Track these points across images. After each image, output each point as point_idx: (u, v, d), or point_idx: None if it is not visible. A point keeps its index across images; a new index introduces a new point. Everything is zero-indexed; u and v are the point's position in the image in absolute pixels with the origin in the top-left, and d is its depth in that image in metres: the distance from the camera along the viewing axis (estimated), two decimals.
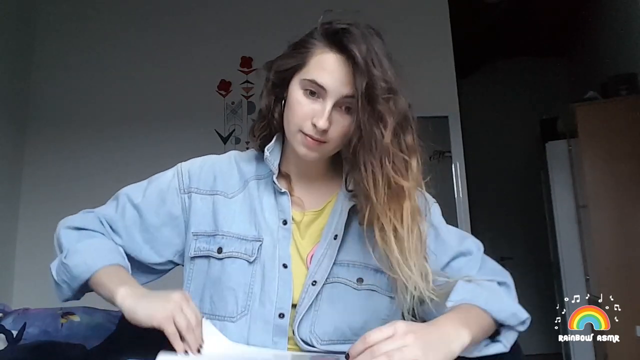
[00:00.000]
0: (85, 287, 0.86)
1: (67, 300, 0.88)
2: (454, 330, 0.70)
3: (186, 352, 0.71)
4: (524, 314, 0.82)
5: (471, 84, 4.46)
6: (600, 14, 3.72)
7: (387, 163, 0.75)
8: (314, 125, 0.78)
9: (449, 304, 0.77)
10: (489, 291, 0.82)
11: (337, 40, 0.77)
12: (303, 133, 0.80)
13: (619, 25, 3.40)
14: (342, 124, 0.80)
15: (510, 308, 0.81)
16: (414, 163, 0.77)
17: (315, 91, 0.79)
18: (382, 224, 0.75)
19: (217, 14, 3.28)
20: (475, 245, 0.90)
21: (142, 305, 0.74)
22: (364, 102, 0.74)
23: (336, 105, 0.79)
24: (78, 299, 0.89)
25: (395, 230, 0.75)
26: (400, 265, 0.75)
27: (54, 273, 0.87)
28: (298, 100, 0.80)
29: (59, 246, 0.90)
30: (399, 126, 0.76)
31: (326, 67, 0.78)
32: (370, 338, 0.64)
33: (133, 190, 0.93)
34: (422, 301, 0.78)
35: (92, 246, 0.87)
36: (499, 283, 0.86)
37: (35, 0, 3.17)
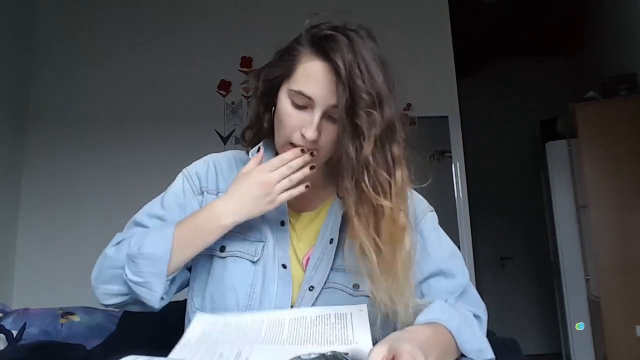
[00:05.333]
0: (172, 266, 0.79)
1: (161, 299, 0.80)
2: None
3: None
4: (489, 354, 0.79)
5: (471, 84, 4.46)
6: (600, 14, 3.72)
7: (367, 181, 0.72)
8: (303, 136, 0.77)
9: (421, 318, 0.75)
10: (463, 318, 0.80)
11: (322, 48, 0.74)
12: (292, 145, 0.79)
13: (619, 25, 3.40)
14: (331, 132, 0.78)
15: (478, 343, 0.78)
16: (398, 176, 0.74)
17: (303, 102, 0.77)
18: (362, 241, 0.73)
19: (217, 14, 3.28)
20: (460, 270, 0.87)
21: (244, 205, 0.79)
22: (342, 116, 0.72)
23: (325, 114, 0.77)
24: (171, 293, 0.82)
25: (376, 249, 0.73)
26: (377, 281, 0.74)
27: (131, 276, 0.78)
28: (286, 111, 0.78)
29: (111, 268, 0.81)
30: (384, 137, 0.73)
31: (312, 77, 0.75)
32: None
33: (149, 208, 0.91)
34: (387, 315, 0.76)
35: (144, 231, 0.83)
36: (475, 315, 0.85)
37: (35, 0, 3.18)
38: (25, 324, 1.93)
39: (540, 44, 4.47)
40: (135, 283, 0.78)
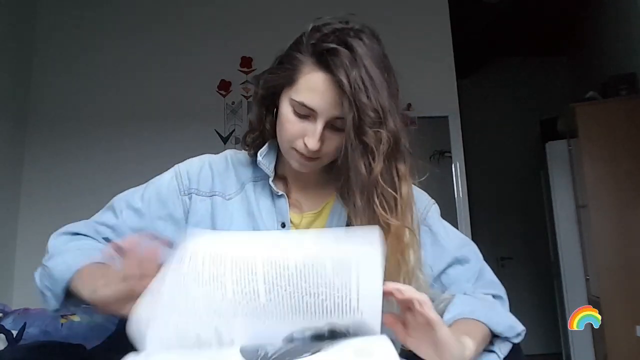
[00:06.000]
0: (71, 294, 0.79)
1: (57, 310, 0.83)
2: (459, 340, 0.68)
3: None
4: (520, 326, 0.82)
5: (471, 84, 4.46)
6: (600, 14, 3.72)
7: (375, 199, 0.72)
8: (305, 145, 0.77)
9: (447, 315, 0.78)
10: (485, 304, 0.83)
11: (324, 61, 0.73)
12: (295, 150, 0.79)
13: (619, 25, 3.40)
14: (334, 141, 0.78)
15: (507, 320, 0.82)
16: (404, 191, 0.74)
17: (305, 113, 0.77)
18: None
19: (217, 14, 3.28)
20: (474, 253, 0.89)
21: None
22: (351, 134, 0.71)
23: (327, 124, 0.76)
24: (69, 309, 0.85)
25: None
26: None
27: (37, 280, 0.82)
28: (288, 119, 0.78)
29: (47, 252, 0.86)
30: (391, 154, 0.73)
31: (315, 89, 0.74)
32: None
33: (130, 196, 0.91)
34: None
35: (77, 246, 0.83)
36: (494, 296, 0.87)
37: (35, 0, 3.18)
38: (25, 324, 1.93)
39: (540, 43, 4.47)
40: (37, 283, 0.83)
